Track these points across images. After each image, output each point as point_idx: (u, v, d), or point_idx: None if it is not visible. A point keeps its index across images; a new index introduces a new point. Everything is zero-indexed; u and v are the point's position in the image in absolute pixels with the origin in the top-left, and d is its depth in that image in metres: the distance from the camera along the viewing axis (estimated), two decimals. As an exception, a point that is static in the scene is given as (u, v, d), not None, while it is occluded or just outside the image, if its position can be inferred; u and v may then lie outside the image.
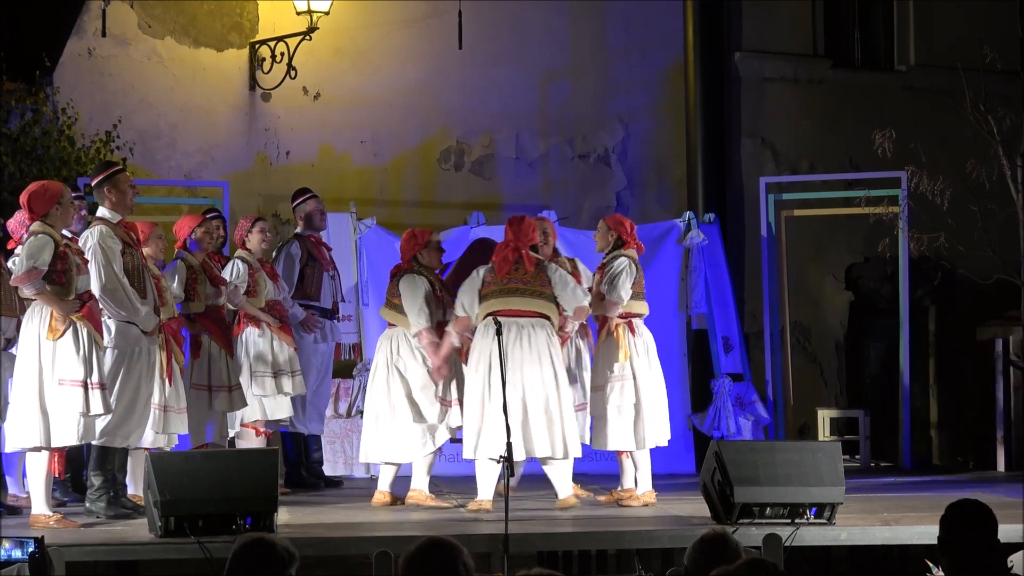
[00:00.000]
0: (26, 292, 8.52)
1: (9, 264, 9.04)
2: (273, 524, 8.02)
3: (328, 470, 11.74)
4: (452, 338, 9.77)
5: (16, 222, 9.34)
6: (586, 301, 9.64)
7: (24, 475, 9.82)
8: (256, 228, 10.95)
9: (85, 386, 8.39)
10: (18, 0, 13.36)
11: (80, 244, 8.74)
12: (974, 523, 5.27)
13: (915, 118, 14.97)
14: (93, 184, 9.03)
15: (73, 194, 9.23)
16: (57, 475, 8.85)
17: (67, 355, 8.39)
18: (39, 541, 7.10)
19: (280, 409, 10.80)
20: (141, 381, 8.90)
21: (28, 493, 9.81)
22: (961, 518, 5.29)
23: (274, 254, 11.33)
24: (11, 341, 9.19)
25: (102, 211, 8.94)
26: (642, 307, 9.96)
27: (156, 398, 9.41)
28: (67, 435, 8.44)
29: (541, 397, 9.43)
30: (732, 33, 15.16)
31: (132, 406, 8.82)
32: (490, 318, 9.31)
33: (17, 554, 7.05)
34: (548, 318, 9.54)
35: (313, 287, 11.25)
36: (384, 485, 9.98)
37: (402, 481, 10.20)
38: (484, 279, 9.61)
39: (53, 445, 8.45)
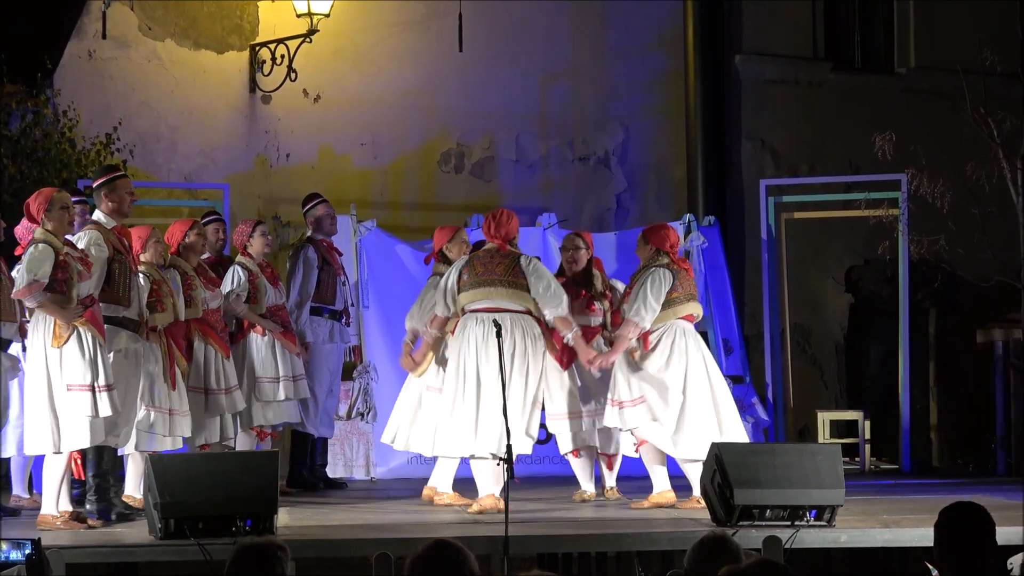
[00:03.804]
0: (28, 304, 8.62)
1: (14, 273, 9.07)
2: (273, 526, 8.03)
3: (328, 472, 11.74)
4: (628, 342, 9.81)
5: (23, 228, 9.37)
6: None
7: (33, 477, 9.88)
8: (257, 232, 10.94)
9: (92, 389, 8.47)
10: (19, 2, 13.36)
11: None
12: (969, 525, 5.26)
13: (915, 121, 14.96)
14: (93, 187, 9.07)
15: (75, 199, 9.25)
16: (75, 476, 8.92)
17: (73, 361, 8.47)
18: (36, 543, 7.09)
19: (283, 414, 10.80)
20: (129, 383, 8.93)
21: (30, 495, 9.88)
22: (956, 521, 5.28)
23: (289, 262, 11.33)
24: (9, 342, 9.21)
25: (98, 214, 9.00)
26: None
27: (162, 402, 9.46)
28: (79, 439, 8.52)
29: (725, 395, 9.82)
30: (732, 35, 15.17)
31: (121, 408, 8.83)
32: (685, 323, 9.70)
33: (15, 556, 7.05)
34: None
35: (329, 291, 11.27)
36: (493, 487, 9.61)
37: (400, 483, 10.21)
38: (673, 285, 9.71)
39: (64, 449, 8.53)
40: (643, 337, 9.68)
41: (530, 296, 9.61)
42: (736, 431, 9.72)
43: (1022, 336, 13.19)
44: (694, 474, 9.56)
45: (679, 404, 9.61)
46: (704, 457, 9.44)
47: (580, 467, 10.33)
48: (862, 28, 16.03)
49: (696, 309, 9.85)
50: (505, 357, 9.27)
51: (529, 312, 9.64)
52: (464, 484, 10.06)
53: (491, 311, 9.55)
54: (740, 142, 15.25)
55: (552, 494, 10.60)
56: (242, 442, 10.68)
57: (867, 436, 13.25)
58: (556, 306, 9.65)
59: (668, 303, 9.66)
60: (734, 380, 12.75)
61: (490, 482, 9.49)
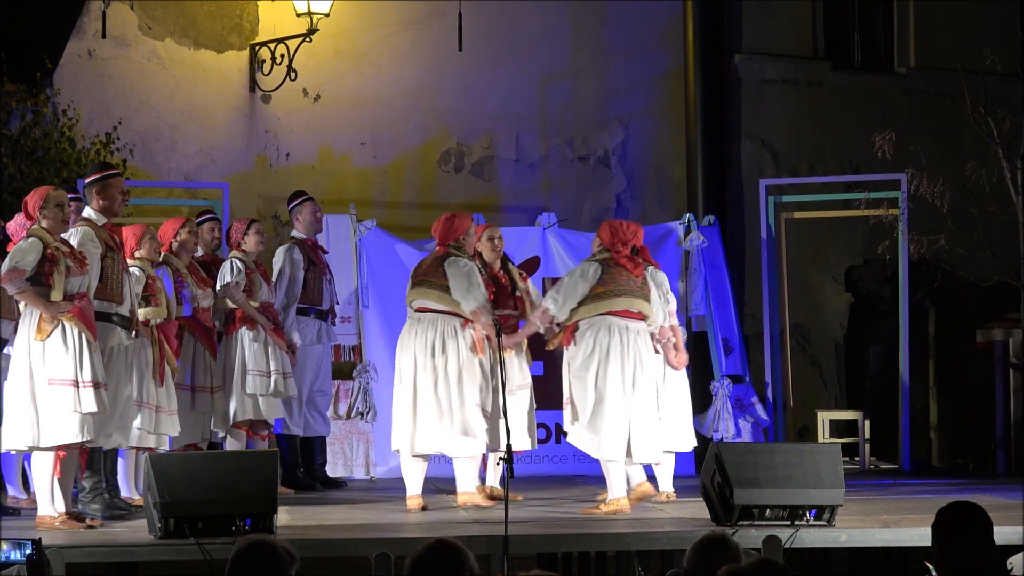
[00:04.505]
0: (9, 291, 8.59)
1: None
2: (273, 525, 8.03)
3: (328, 471, 11.74)
4: (536, 327, 9.80)
5: (16, 224, 9.36)
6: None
7: (28, 475, 9.86)
8: (252, 230, 10.95)
9: (76, 384, 8.41)
10: (18, 1, 13.36)
11: None
12: (967, 525, 5.26)
13: (915, 120, 14.97)
14: (86, 183, 9.04)
15: (71, 195, 9.23)
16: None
17: (56, 355, 8.42)
18: (36, 543, 7.10)
19: (272, 410, 10.80)
20: (121, 380, 8.90)
21: (28, 495, 9.86)
22: (954, 521, 5.28)
23: (273, 261, 11.31)
24: (7, 342, 9.20)
25: (88, 211, 8.95)
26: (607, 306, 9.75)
27: (150, 398, 9.45)
28: (60, 434, 8.44)
29: (651, 400, 9.55)
30: (732, 35, 15.17)
31: (113, 406, 8.80)
32: (619, 319, 9.46)
33: (15, 556, 7.05)
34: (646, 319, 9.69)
35: (315, 291, 11.26)
36: (470, 484, 9.75)
37: (400, 482, 10.21)
38: (601, 279, 9.55)
39: (44, 445, 8.45)
40: (567, 331, 9.61)
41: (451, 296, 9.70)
42: (643, 443, 9.49)
43: (1022, 336, 13.19)
44: (616, 476, 9.50)
45: (592, 404, 9.46)
46: (620, 458, 9.41)
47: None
48: (862, 27, 16.03)
49: (636, 305, 9.52)
50: (421, 357, 9.59)
51: (456, 313, 9.67)
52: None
53: (423, 311, 9.74)
54: (740, 142, 15.25)
55: (552, 494, 10.60)
56: (231, 441, 10.69)
57: (867, 436, 13.26)
58: (465, 303, 9.64)
59: (593, 298, 9.51)
60: (733, 380, 12.77)
61: (466, 480, 9.64)
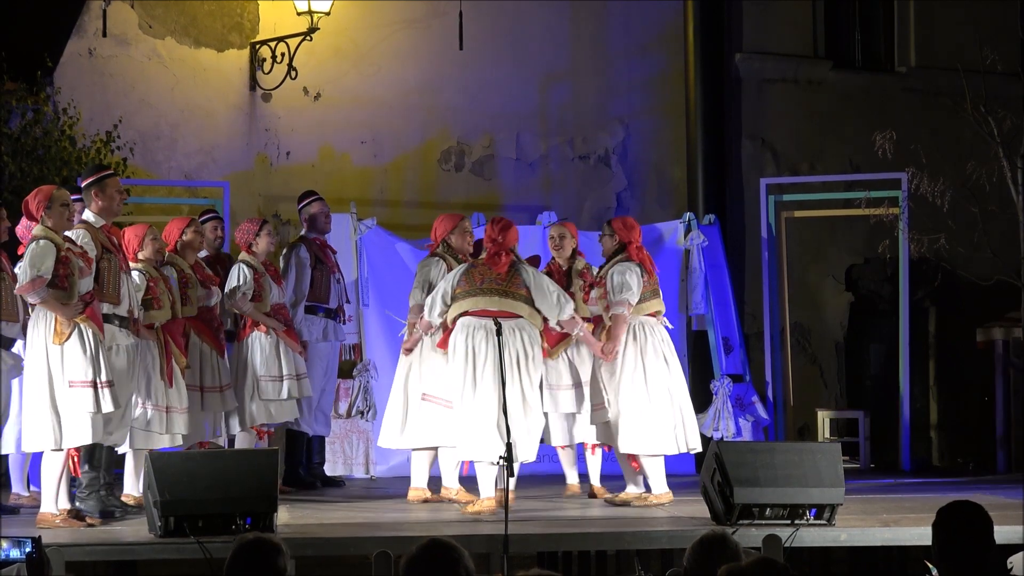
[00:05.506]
0: (31, 300, 8.58)
1: (16, 270, 9.05)
2: (273, 524, 8.04)
3: (328, 470, 11.75)
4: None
5: (23, 227, 9.36)
6: (569, 312, 9.54)
7: (30, 474, 9.87)
8: (264, 231, 10.90)
9: (95, 386, 8.46)
10: (19, 0, 13.36)
11: None
12: (967, 524, 5.26)
13: (915, 119, 14.98)
14: (82, 185, 9.03)
15: (74, 196, 9.24)
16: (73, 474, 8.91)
17: (75, 357, 8.46)
18: (36, 541, 7.10)
19: (285, 412, 10.79)
20: (122, 379, 8.90)
21: (29, 493, 9.87)
22: (954, 520, 5.28)
23: (281, 259, 11.31)
24: (12, 341, 9.19)
25: (87, 214, 8.95)
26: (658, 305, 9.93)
27: (159, 400, 9.46)
28: (81, 435, 8.50)
29: (513, 400, 9.30)
30: (732, 34, 15.17)
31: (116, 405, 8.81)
32: (474, 319, 9.38)
33: (15, 554, 7.05)
34: (522, 318, 9.43)
35: (323, 290, 11.26)
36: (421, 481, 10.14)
37: (400, 481, 10.23)
38: (459, 281, 9.55)
39: (66, 446, 8.50)
40: (444, 336, 9.67)
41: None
42: (487, 443, 9.25)
43: (1022, 335, 13.19)
44: (482, 477, 9.41)
45: (462, 405, 9.42)
46: (485, 459, 9.31)
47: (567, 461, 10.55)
48: (862, 27, 16.03)
49: (496, 304, 9.35)
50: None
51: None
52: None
53: None
54: (740, 141, 15.25)
55: (552, 493, 10.60)
56: (241, 441, 10.69)
57: (867, 435, 13.27)
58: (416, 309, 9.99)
59: (452, 299, 9.52)
60: (734, 379, 12.76)
61: (488, 484, 9.51)
